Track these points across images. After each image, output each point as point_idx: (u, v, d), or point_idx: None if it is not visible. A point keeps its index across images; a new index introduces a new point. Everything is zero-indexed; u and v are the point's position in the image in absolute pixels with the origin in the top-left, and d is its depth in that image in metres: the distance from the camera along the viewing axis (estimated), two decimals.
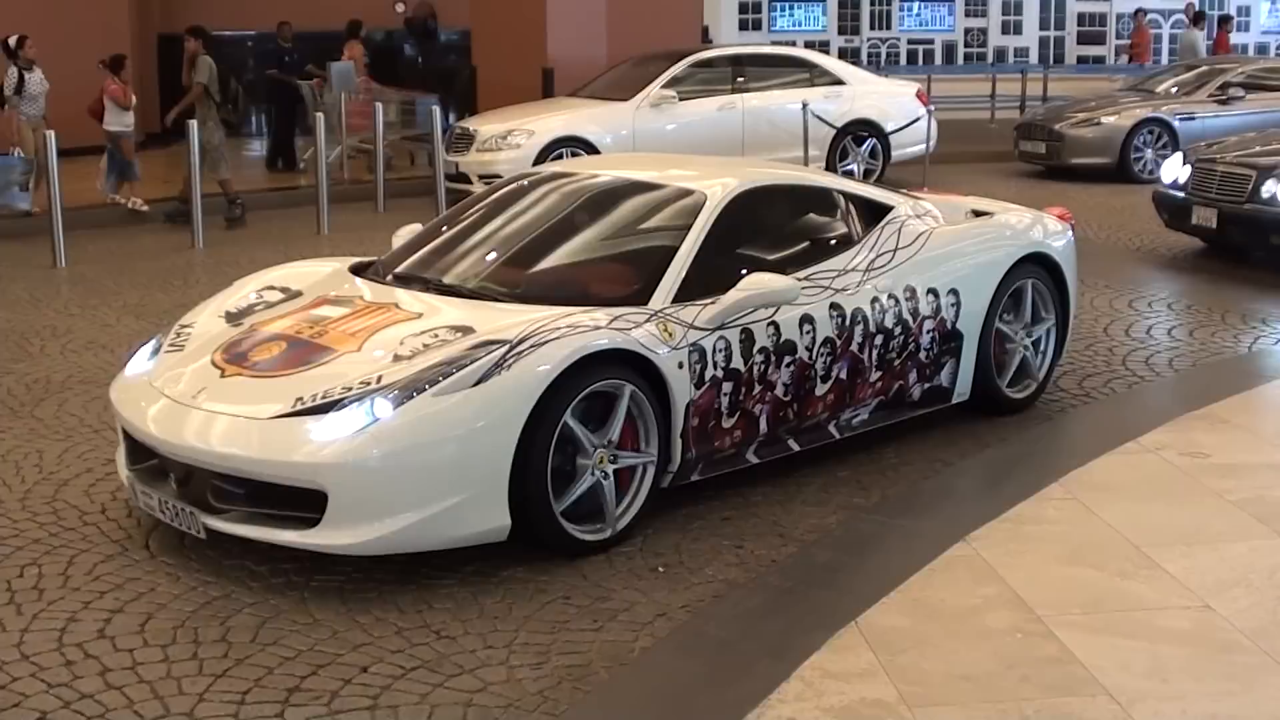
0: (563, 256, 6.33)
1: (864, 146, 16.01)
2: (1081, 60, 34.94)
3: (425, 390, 4.94)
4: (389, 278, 6.25)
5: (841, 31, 35.89)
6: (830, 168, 15.51)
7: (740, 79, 15.84)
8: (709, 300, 5.71)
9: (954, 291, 6.68)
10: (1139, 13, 28.72)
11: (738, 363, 5.73)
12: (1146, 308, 9.65)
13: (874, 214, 6.79)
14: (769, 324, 5.85)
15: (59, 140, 12.11)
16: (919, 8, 36.43)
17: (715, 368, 5.64)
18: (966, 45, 36.38)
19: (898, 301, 6.43)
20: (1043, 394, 7.26)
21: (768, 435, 5.97)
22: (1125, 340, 8.70)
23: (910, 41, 36.30)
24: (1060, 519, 5.35)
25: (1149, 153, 16.33)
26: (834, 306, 6.16)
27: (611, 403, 5.28)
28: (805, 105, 15.25)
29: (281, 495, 4.96)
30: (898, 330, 6.42)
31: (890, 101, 16.40)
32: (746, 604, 4.76)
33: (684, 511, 5.72)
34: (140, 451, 5.49)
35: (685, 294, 5.74)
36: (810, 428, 6.18)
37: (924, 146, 16.13)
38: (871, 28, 36.16)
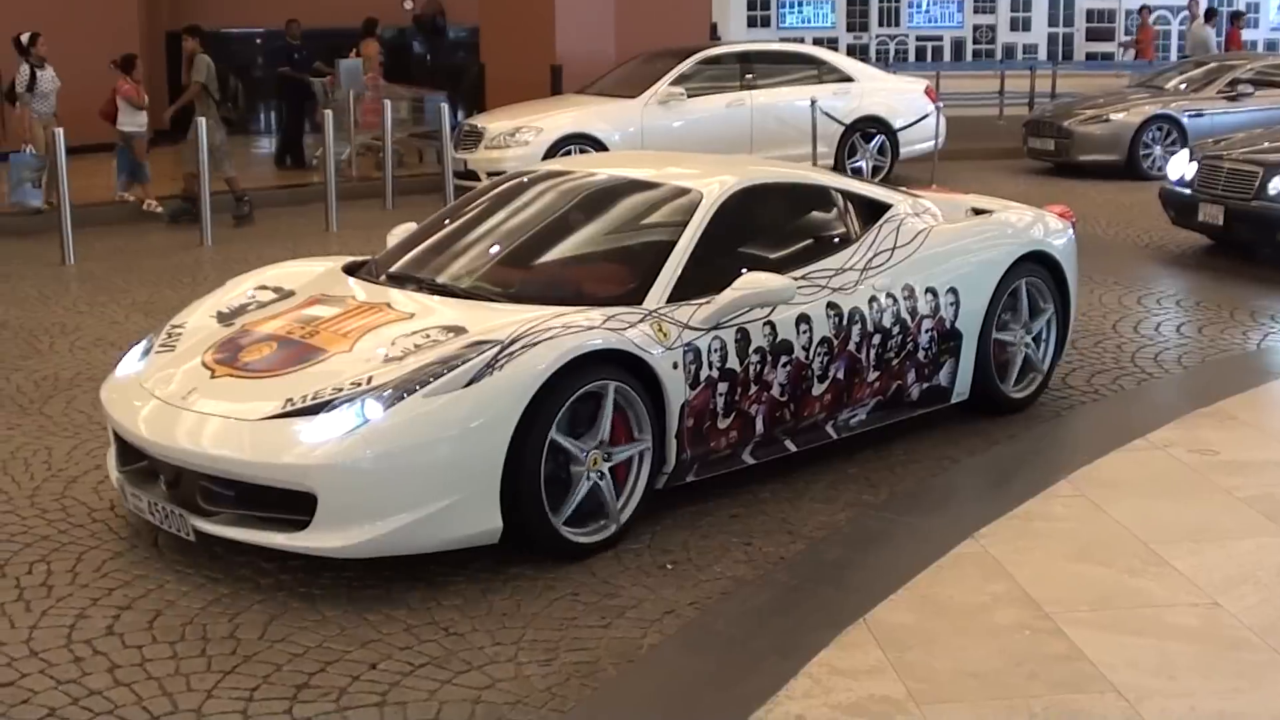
0: (557, 255, 6.30)
1: (872, 143, 16.01)
2: (1090, 57, 34.92)
3: (416, 391, 4.89)
4: (382, 277, 6.20)
5: (850, 28, 35.91)
6: (839, 165, 15.53)
7: (748, 76, 15.83)
8: (704, 300, 5.66)
9: (953, 290, 6.63)
10: (1143, 10, 28.74)
11: (733, 363, 5.68)
12: (1155, 304, 9.64)
13: (872, 212, 6.73)
14: (765, 323, 5.81)
15: (68, 137, 12.14)
16: (928, 4, 36.41)
17: (710, 368, 5.59)
18: (975, 42, 36.37)
19: (896, 301, 6.39)
20: (1043, 393, 7.23)
21: (764, 436, 5.93)
22: (1134, 337, 8.68)
23: (919, 38, 36.31)
24: (1068, 516, 5.34)
25: (1158, 149, 16.32)
26: (831, 306, 6.11)
27: (598, 402, 5.22)
28: (814, 102, 15.26)
29: (271, 497, 4.91)
30: (896, 330, 6.37)
31: (899, 98, 16.39)
32: (755, 601, 4.75)
33: (692, 509, 5.72)
34: (130, 453, 5.45)
35: (681, 293, 5.68)
36: (807, 428, 6.14)
37: (932, 143, 16.14)
38: (880, 24, 36.16)
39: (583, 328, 5.20)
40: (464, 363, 4.97)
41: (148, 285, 10.67)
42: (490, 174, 13.83)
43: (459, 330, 5.30)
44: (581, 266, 6.24)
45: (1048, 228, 7.33)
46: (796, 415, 6.03)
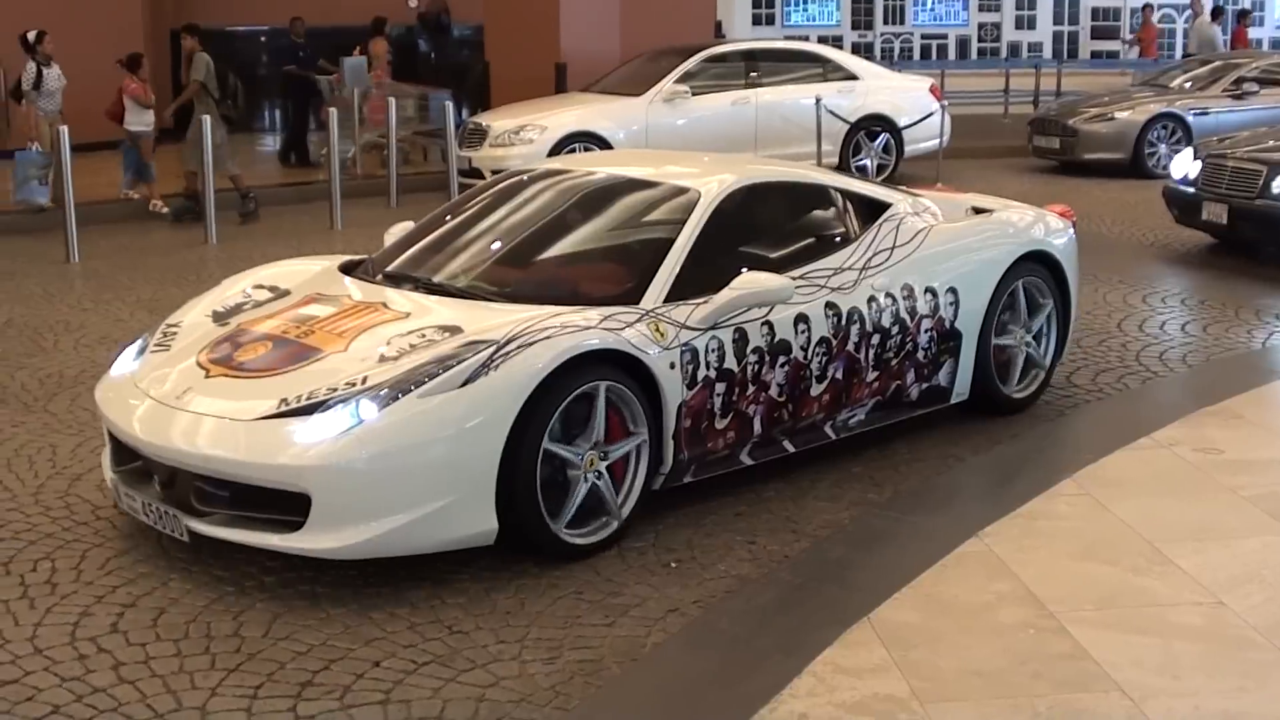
0: (554, 255, 6.28)
1: (877, 141, 16.00)
2: (1095, 55, 34.90)
3: (411, 391, 4.87)
4: (378, 277, 6.17)
5: (855, 26, 35.88)
6: (843, 163, 15.53)
7: (753, 74, 15.82)
8: (702, 300, 5.63)
9: (952, 290, 6.59)
10: (1146, 8, 28.74)
11: (731, 363, 5.65)
12: (1160, 303, 9.63)
13: (872, 211, 6.70)
14: (763, 323, 5.77)
15: (72, 135, 12.15)
16: (932, 2, 36.39)
17: (708, 368, 5.56)
18: (980, 40, 36.34)
19: (895, 300, 6.35)
20: (1048, 392, 7.22)
21: (762, 436, 5.90)
22: (1139, 335, 8.68)
23: (924, 36, 36.27)
24: (1073, 515, 5.34)
25: (1163, 148, 16.30)
26: (830, 305, 6.08)
27: (591, 403, 5.18)
28: (819, 100, 15.25)
29: (265, 498, 4.88)
30: (895, 329, 6.34)
31: (904, 96, 16.38)
32: (759, 599, 4.75)
33: (696, 507, 5.72)
34: (125, 453, 5.43)
35: (679, 293, 5.65)
36: (806, 428, 6.10)
37: (937, 142, 16.14)
38: (885, 22, 36.13)
39: (579, 328, 5.17)
40: (459, 363, 4.94)
41: (152, 283, 10.68)
42: (494, 172, 13.86)
43: (455, 330, 5.27)
44: (578, 266, 6.20)
45: (1048, 227, 7.29)
46: (795, 415, 6.01)
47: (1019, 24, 36.38)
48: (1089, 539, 5.07)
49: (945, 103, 16.55)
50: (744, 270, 5.78)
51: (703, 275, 5.74)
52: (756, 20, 35.04)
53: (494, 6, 19.15)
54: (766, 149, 14.70)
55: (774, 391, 5.86)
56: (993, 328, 6.79)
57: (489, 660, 4.44)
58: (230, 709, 4.15)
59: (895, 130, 16.00)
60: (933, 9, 36.36)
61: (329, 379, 5.07)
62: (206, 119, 13.20)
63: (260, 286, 6.23)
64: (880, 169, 15.80)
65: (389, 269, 6.25)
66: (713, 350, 5.59)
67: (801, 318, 5.94)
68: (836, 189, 6.81)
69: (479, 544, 5.01)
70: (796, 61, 16.54)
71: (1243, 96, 16.54)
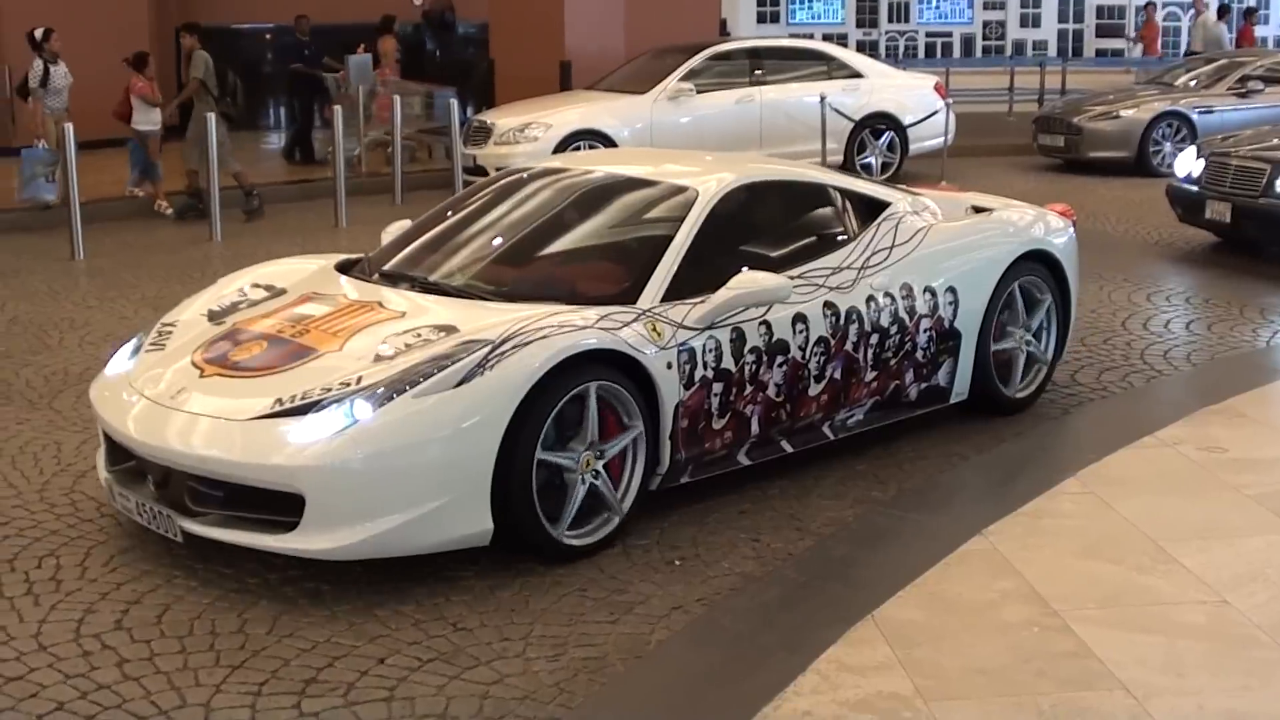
0: (551, 254, 6.24)
1: (882, 139, 16.00)
2: (1100, 53, 34.86)
3: (406, 391, 4.83)
4: (375, 276, 6.13)
5: (859, 24, 35.84)
6: (848, 161, 15.53)
7: (758, 72, 15.82)
8: (699, 299, 5.60)
9: (952, 289, 6.56)
10: (1149, 5, 28.72)
11: (728, 363, 5.62)
12: (1164, 301, 9.63)
13: (871, 210, 6.67)
14: (761, 323, 5.74)
15: (78, 133, 12.16)
16: (937, 0, 36.35)
17: (705, 368, 5.53)
18: (985, 38, 36.30)
19: (894, 300, 6.32)
20: (1051, 391, 7.22)
21: (760, 436, 5.87)
22: (1143, 334, 8.67)
23: (928, 34, 36.24)
24: (1077, 513, 5.34)
25: (1168, 146, 16.29)
26: (828, 305, 6.05)
27: (584, 403, 5.15)
28: (823, 98, 15.25)
29: (260, 498, 4.86)
30: (894, 329, 6.31)
31: (908, 94, 16.38)
32: (762, 597, 4.75)
33: (700, 505, 5.72)
34: (119, 452, 5.41)
35: (676, 292, 5.61)
36: (804, 428, 6.07)
37: (942, 140, 16.13)
38: (890, 20, 36.09)
39: (575, 327, 5.14)
40: (455, 362, 4.91)
41: (157, 280, 10.68)
42: (499, 169, 13.87)
43: (450, 330, 5.23)
44: (575, 265, 6.18)
45: (1048, 226, 7.26)
46: (793, 416, 5.98)
47: (1024, 22, 36.32)
48: (1093, 537, 5.07)
49: (950, 101, 16.54)
50: (742, 270, 5.75)
51: (700, 275, 5.71)
52: (761, 18, 35.00)
53: (499, 4, 19.16)
54: (771, 147, 14.69)
55: (772, 391, 5.84)
56: (992, 327, 6.75)
57: (493, 657, 4.44)
58: (234, 705, 4.16)
59: (900, 128, 16.01)
60: (938, 7, 36.31)
61: (324, 379, 5.05)
62: (211, 116, 13.22)
63: (256, 285, 6.20)
64: (885, 167, 15.80)
65: (385, 268, 6.22)
66: (710, 350, 5.56)
67: (800, 317, 5.91)
68: (835, 188, 6.78)
69: (474, 545, 4.99)
70: (801, 59, 16.55)
71: (1248, 95, 16.53)
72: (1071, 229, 7.41)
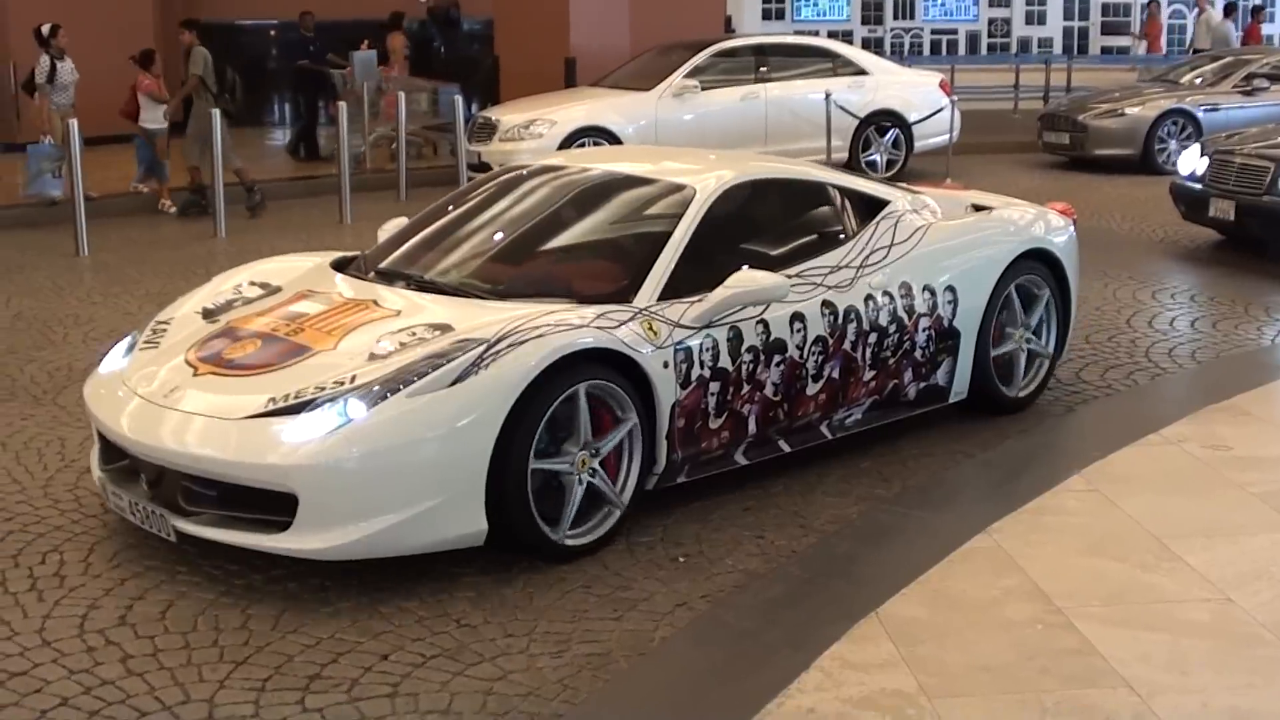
0: (548, 252, 6.22)
1: (887, 137, 15.98)
2: (1105, 51, 34.86)
3: (400, 390, 4.80)
4: (370, 274, 6.10)
5: (865, 21, 35.86)
6: (853, 158, 15.51)
7: (763, 69, 15.80)
8: (696, 298, 5.57)
9: (951, 288, 6.53)
10: (1153, 2, 28.72)
11: (725, 362, 5.59)
12: (1169, 299, 9.62)
13: (870, 209, 6.64)
14: (758, 322, 5.71)
15: (83, 129, 12.17)
16: None
17: (702, 367, 5.50)
18: (990, 35, 36.30)
19: (893, 299, 6.29)
20: (1053, 389, 7.21)
21: (757, 436, 5.85)
22: (1148, 332, 8.67)
23: (933, 31, 36.25)
24: (1081, 511, 5.33)
25: (1173, 144, 16.27)
26: (826, 304, 6.02)
27: (574, 403, 5.10)
28: (828, 95, 15.24)
29: (253, 498, 4.84)
30: (892, 328, 6.28)
31: (913, 92, 16.35)
32: (766, 594, 4.75)
33: (704, 502, 5.71)
34: (113, 451, 5.39)
35: (673, 291, 5.58)
36: (802, 428, 6.05)
37: (947, 137, 16.11)
38: (895, 18, 36.09)
39: (571, 326, 5.12)
40: (449, 361, 4.88)
41: (161, 276, 10.69)
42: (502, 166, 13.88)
43: (445, 328, 5.20)
44: (572, 263, 6.16)
45: (1048, 225, 7.22)
46: (790, 415, 5.95)
47: (1029, 19, 36.34)
48: (1097, 535, 5.06)
49: (955, 98, 16.53)
50: (740, 268, 5.73)
51: (698, 273, 5.68)
52: (766, 15, 35.03)
53: (504, 1, 19.16)
54: (776, 144, 14.68)
55: (769, 391, 5.81)
56: (992, 326, 6.73)
57: (497, 654, 4.45)
58: (238, 701, 4.16)
59: (905, 125, 15.99)
60: (943, 4, 36.32)
61: (318, 377, 5.02)
62: (216, 113, 13.22)
63: (251, 283, 6.19)
64: (890, 164, 15.79)
65: (381, 266, 6.19)
66: (707, 349, 5.53)
67: (797, 316, 5.88)
68: (834, 186, 6.74)
69: (469, 545, 4.96)
70: (806, 57, 16.53)
71: (1253, 93, 16.52)
72: (1072, 228, 7.38)
